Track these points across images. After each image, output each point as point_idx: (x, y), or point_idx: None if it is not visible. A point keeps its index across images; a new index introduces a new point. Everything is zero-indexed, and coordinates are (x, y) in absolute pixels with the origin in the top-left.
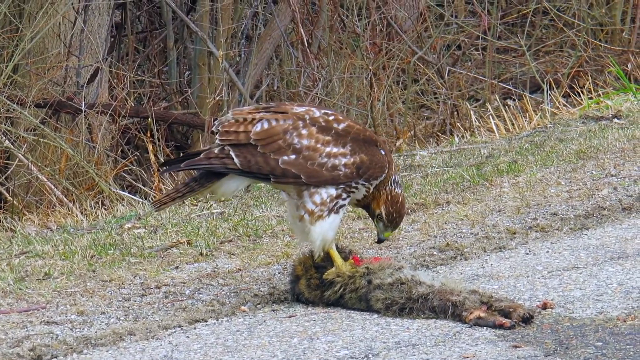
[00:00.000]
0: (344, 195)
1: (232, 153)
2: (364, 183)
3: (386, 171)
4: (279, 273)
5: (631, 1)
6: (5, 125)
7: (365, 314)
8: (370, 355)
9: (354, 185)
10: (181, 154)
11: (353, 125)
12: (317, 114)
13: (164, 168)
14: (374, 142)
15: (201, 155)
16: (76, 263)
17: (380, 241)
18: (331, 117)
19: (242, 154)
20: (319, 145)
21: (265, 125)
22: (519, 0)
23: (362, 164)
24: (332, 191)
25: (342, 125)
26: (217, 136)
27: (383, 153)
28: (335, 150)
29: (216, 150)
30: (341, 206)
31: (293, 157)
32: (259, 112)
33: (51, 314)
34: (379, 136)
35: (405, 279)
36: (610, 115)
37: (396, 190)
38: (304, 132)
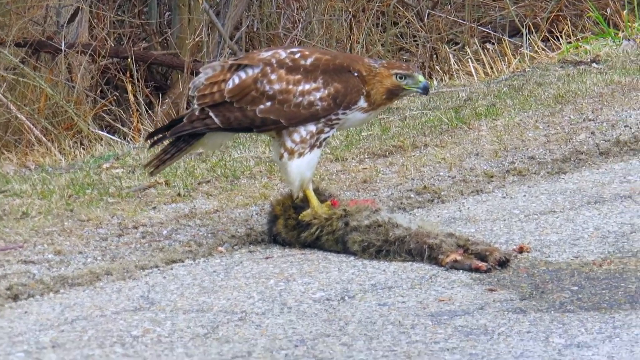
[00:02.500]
0: (327, 129)
1: (211, 113)
2: (345, 112)
3: (362, 95)
4: (257, 214)
5: None
6: None
7: (341, 256)
8: (346, 297)
9: (334, 117)
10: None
11: (321, 57)
12: (283, 55)
13: (152, 140)
14: (346, 68)
15: (184, 120)
16: (54, 202)
17: (426, 90)
18: (297, 55)
19: (220, 113)
20: (290, 87)
21: (237, 81)
22: None
23: (337, 94)
24: (312, 127)
25: (309, 60)
26: (194, 100)
27: (356, 75)
28: (307, 86)
29: (197, 113)
30: (324, 139)
31: (269, 104)
32: (229, 72)
33: (28, 253)
34: (356, 56)
35: (382, 221)
36: (589, 60)
37: (379, 62)
38: (273, 77)
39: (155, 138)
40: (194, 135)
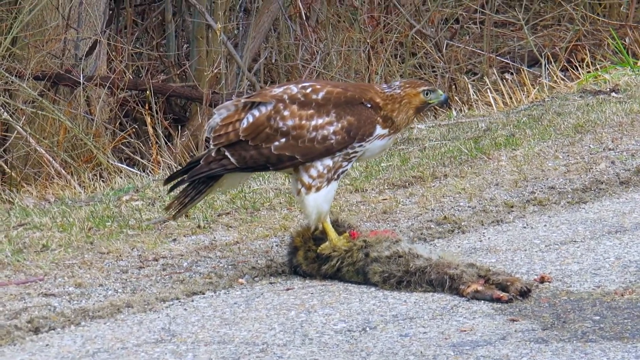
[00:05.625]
0: (345, 164)
1: (227, 153)
2: (361, 144)
3: (377, 124)
4: (277, 246)
5: None
6: (3, 97)
7: (362, 287)
8: (367, 329)
9: (351, 151)
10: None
11: (332, 90)
12: (295, 90)
13: (170, 184)
14: (358, 100)
15: (201, 162)
16: (74, 235)
17: (447, 102)
18: (309, 90)
19: (236, 152)
20: (304, 122)
21: (251, 119)
22: None
23: (350, 127)
24: (329, 162)
25: (321, 94)
26: (210, 142)
27: (369, 106)
28: (320, 121)
29: (213, 154)
30: (342, 172)
31: (283, 140)
32: (243, 111)
33: (49, 286)
34: (365, 85)
35: (403, 252)
36: (608, 89)
37: (396, 84)
38: (286, 113)
39: (174, 182)
40: (212, 177)
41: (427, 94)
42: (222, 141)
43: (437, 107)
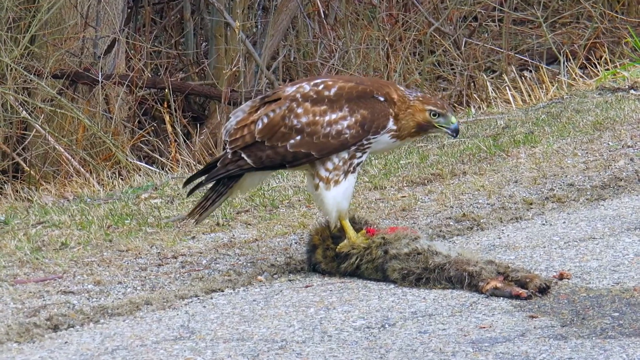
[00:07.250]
0: (358, 154)
1: (243, 155)
2: (375, 136)
3: (391, 117)
4: (296, 243)
5: None
6: (22, 95)
7: (381, 284)
8: (386, 325)
9: (365, 142)
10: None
11: (344, 85)
12: (307, 88)
13: (189, 186)
14: (369, 94)
15: (218, 165)
16: (93, 233)
17: (457, 133)
18: (321, 87)
19: (252, 153)
20: (317, 118)
21: (265, 120)
22: None
23: (364, 120)
24: (344, 154)
25: (333, 90)
26: (227, 145)
27: (382, 100)
28: (334, 116)
29: (230, 156)
30: (358, 164)
31: (298, 138)
32: (257, 111)
33: (68, 284)
34: (385, 81)
35: (422, 249)
36: (627, 87)
37: (414, 94)
38: (299, 110)
39: (193, 186)
40: (231, 178)
41: (434, 115)
42: (238, 144)
43: (447, 134)
